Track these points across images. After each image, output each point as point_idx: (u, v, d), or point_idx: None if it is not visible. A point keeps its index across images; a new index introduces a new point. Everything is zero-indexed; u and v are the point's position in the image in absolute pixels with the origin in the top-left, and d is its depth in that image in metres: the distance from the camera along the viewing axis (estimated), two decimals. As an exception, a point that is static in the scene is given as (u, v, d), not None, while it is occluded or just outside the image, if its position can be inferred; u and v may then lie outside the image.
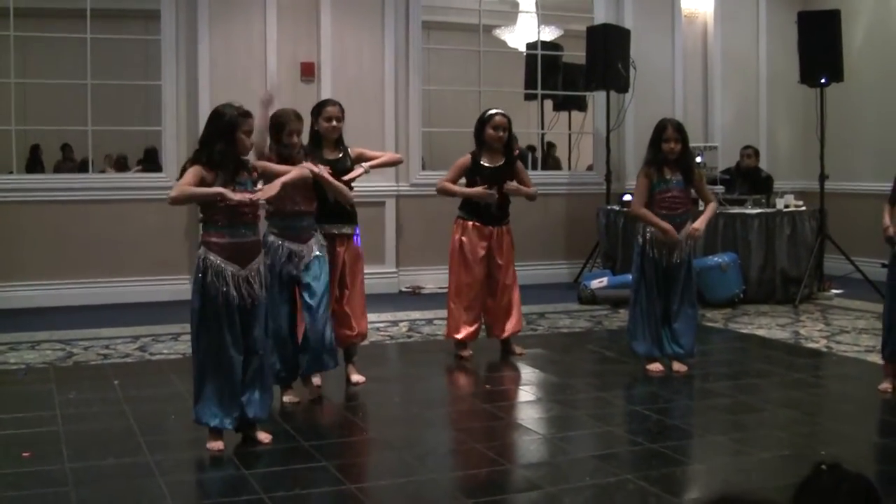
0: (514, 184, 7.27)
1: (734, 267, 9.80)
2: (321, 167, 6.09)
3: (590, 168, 12.80)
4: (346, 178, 6.34)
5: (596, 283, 10.10)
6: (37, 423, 5.65)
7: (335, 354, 6.22)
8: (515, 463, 5.17)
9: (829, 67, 10.26)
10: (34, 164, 13.12)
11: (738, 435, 5.64)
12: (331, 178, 6.14)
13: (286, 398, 6.09)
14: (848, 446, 5.32)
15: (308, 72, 10.51)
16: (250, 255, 5.14)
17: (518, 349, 7.56)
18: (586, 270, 11.13)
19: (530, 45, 13.12)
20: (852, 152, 11.60)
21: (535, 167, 13.44)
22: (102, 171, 12.43)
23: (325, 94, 10.18)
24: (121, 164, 13.31)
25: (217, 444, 5.11)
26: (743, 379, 6.93)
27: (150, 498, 4.46)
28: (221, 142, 5.02)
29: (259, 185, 5.24)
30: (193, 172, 5.02)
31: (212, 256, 5.05)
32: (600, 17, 11.92)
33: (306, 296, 6.01)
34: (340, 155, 6.46)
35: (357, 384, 6.58)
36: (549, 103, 13.51)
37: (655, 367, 6.91)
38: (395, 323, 8.92)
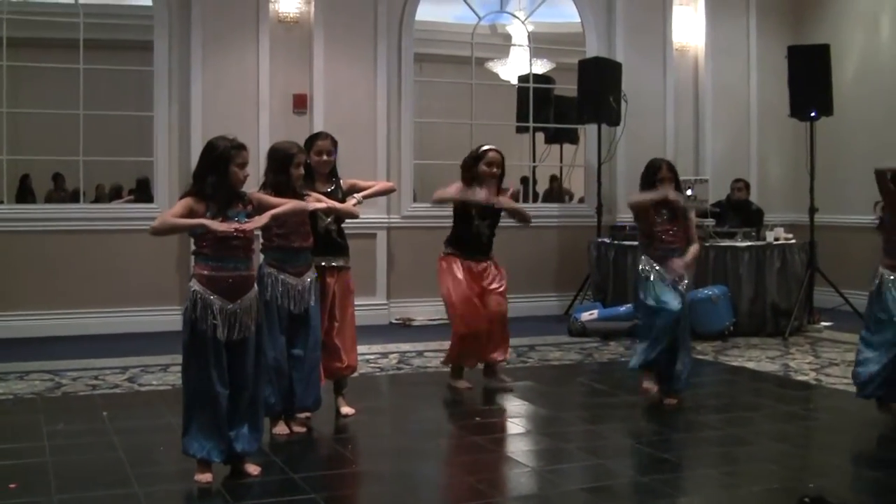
0: (508, 200, 7.29)
1: (724, 299, 9.81)
2: (315, 195, 6.09)
3: (581, 200, 12.82)
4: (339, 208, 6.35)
5: (587, 316, 10.10)
6: (24, 455, 5.61)
7: (319, 397, 6.21)
8: (506, 496, 5.14)
9: (819, 101, 10.33)
10: (24, 193, 13.10)
11: (728, 468, 5.63)
12: (331, 202, 6.15)
13: (276, 430, 6.06)
14: (838, 479, 5.32)
15: (300, 104, 10.55)
16: (241, 290, 5.09)
17: (507, 380, 7.54)
18: (577, 303, 11.13)
19: (522, 78, 13.19)
20: (842, 185, 11.65)
21: (526, 199, 13.43)
22: (95, 201, 12.41)
23: (318, 127, 10.21)
24: (115, 195, 13.32)
25: (205, 476, 5.08)
26: (733, 411, 6.93)
27: (138, 530, 4.44)
28: (214, 174, 5.02)
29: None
30: (182, 204, 5.03)
31: (199, 288, 5.04)
32: (592, 50, 11.98)
33: (297, 341, 6.02)
34: (333, 187, 6.47)
35: (347, 416, 6.56)
36: (540, 136, 13.56)
37: (649, 384, 6.90)
38: (385, 355, 8.90)
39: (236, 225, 5.03)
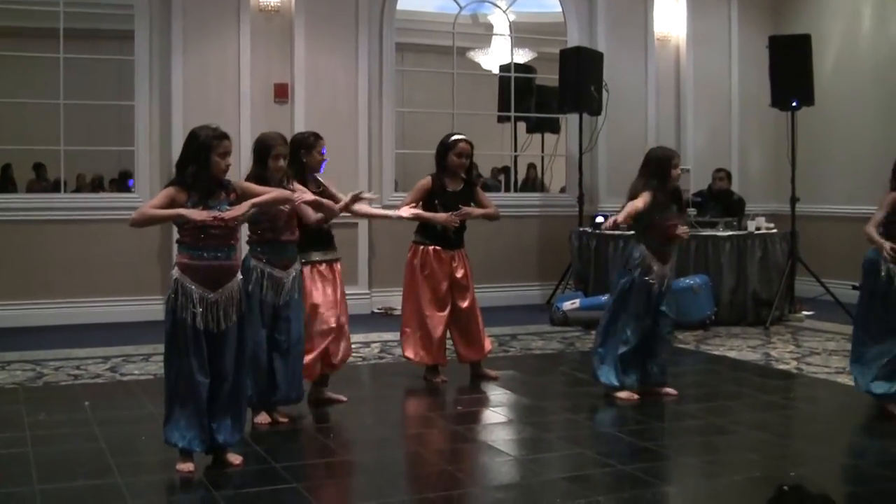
0: (466, 209, 7.22)
1: (706, 289, 9.84)
2: (299, 187, 6.07)
3: (562, 190, 12.83)
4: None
5: (568, 305, 10.11)
6: (5, 445, 5.60)
7: (302, 391, 6.24)
8: (487, 485, 5.15)
9: (800, 91, 10.35)
10: (5, 183, 13.05)
11: (709, 457, 5.67)
12: (317, 197, 6.08)
13: (257, 419, 6.06)
14: (818, 467, 5.34)
15: (281, 93, 10.52)
16: (222, 279, 5.08)
17: (492, 373, 7.53)
18: (559, 292, 11.15)
19: (504, 68, 13.19)
20: (823, 175, 11.70)
21: (507, 189, 13.45)
22: (76, 191, 12.36)
23: (299, 116, 10.22)
24: (96, 185, 13.26)
25: (187, 466, 5.07)
26: (714, 401, 6.96)
27: (120, 520, 4.44)
28: (195, 164, 5.01)
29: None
30: (164, 194, 5.02)
31: (180, 276, 5.03)
32: (573, 39, 11.99)
33: (281, 335, 6.02)
34: (321, 189, 6.45)
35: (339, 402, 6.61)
36: (522, 125, 13.54)
37: (628, 395, 6.86)
38: (367, 344, 8.91)
39: (215, 213, 5.01)
